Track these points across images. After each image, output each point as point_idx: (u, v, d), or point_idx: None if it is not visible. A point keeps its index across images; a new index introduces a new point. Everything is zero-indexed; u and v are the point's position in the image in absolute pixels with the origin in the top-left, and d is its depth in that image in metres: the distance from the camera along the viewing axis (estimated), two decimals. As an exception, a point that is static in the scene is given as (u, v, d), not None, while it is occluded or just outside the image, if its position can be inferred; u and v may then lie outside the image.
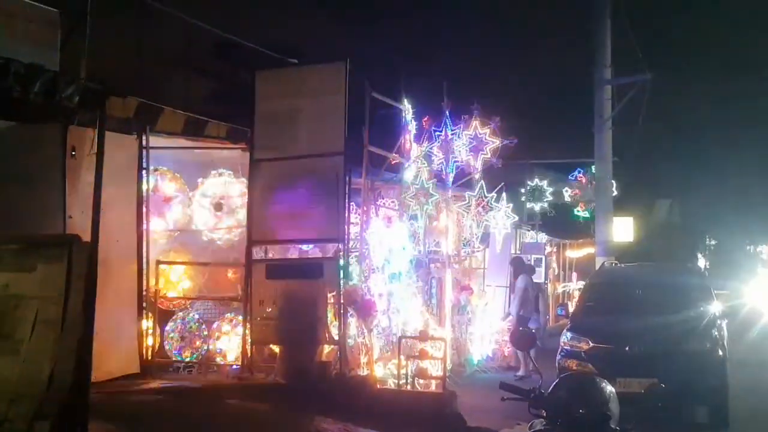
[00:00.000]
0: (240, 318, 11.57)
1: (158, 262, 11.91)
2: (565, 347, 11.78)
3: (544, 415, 4.36)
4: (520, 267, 16.18)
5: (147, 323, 11.50)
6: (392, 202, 13.73)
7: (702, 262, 38.88)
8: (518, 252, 20.15)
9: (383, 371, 11.93)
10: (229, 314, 11.95)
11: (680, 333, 11.42)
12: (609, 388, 4.37)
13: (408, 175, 13.48)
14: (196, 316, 11.93)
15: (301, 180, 11.33)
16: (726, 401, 11.06)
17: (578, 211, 27.44)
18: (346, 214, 11.33)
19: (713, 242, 52.20)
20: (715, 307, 12.34)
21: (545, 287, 21.86)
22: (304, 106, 11.48)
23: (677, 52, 35.08)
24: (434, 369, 12.12)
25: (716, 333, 11.65)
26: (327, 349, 11.14)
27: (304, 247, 12.03)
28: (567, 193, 27.39)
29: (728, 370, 11.33)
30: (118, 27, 11.26)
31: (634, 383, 10.56)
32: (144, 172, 11.50)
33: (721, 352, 11.37)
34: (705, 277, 14.73)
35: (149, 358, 11.39)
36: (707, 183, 42.21)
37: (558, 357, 11.92)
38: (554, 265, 26.89)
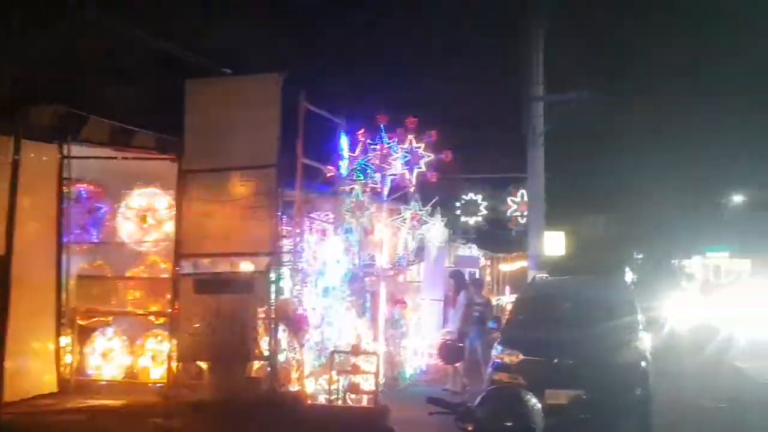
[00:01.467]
0: (166, 334, 11.34)
1: (79, 277, 11.62)
2: (497, 360, 11.83)
3: (471, 429, 4.32)
4: (462, 282, 16.02)
5: (66, 340, 11.21)
6: (327, 215, 13.56)
7: (630, 276, 39.79)
8: (452, 265, 20.06)
9: (315, 387, 11.76)
10: (154, 330, 11.76)
11: (606, 345, 11.62)
12: (533, 401, 4.38)
13: (343, 188, 13.36)
14: (120, 333, 11.68)
15: (233, 191, 11.12)
16: (649, 412, 11.27)
17: (513, 210, 27.54)
18: (279, 227, 11.20)
19: (640, 256, 53.38)
20: (639, 320, 12.63)
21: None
22: (237, 116, 11.26)
23: (614, 68, 35.71)
24: (367, 384, 11.93)
25: (641, 345, 11.89)
26: (257, 365, 10.98)
27: (235, 260, 11.64)
28: (513, 204, 27.44)
29: (651, 382, 11.52)
30: (43, 32, 10.85)
31: (561, 395, 10.69)
32: (65, 182, 11.22)
33: (644, 364, 11.57)
34: (631, 291, 14.94)
35: (68, 376, 11.08)
36: (636, 199, 43.21)
37: (489, 370, 12.01)
38: (488, 278, 27.04)
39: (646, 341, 12.31)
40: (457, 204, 25.23)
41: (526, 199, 22.98)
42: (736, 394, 15.24)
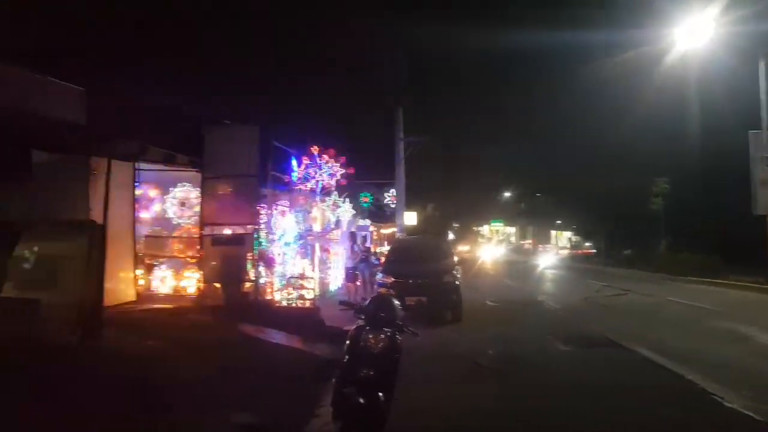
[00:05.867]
0: (196, 267, 11.33)
1: (147, 236, 11.61)
2: (379, 281, 12.12)
3: (363, 318, 4.34)
4: (353, 239, 16.23)
5: (140, 271, 11.15)
6: (285, 202, 13.36)
7: (450, 236, 41.04)
8: (355, 230, 20.43)
9: (280, 297, 11.70)
10: (189, 266, 11.66)
11: (437, 272, 11.98)
12: (396, 302, 4.45)
13: (294, 188, 13.35)
14: (170, 267, 11.62)
15: (232, 189, 11.13)
16: (460, 308, 11.80)
17: (387, 200, 27.91)
18: (258, 209, 11.23)
19: (456, 225, 54.88)
20: (454, 259, 13.17)
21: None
22: (235, 147, 11.11)
23: (446, 122, 36.72)
24: (308, 295, 11.95)
25: (455, 272, 12.35)
26: (247, 284, 10.96)
27: (234, 227, 11.62)
28: (387, 197, 27.85)
29: (461, 292, 12.08)
30: (123, 98, 10.56)
31: (413, 299, 10.98)
32: (137, 183, 11.15)
33: (457, 282, 12.06)
34: (450, 244, 15.59)
35: (141, 291, 11.00)
36: (454, 193, 44.49)
37: (375, 287, 12.38)
38: (375, 237, 27.49)
39: (458, 270, 12.76)
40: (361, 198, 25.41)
41: (395, 193, 23.37)
42: (505, 297, 16.32)
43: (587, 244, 52.09)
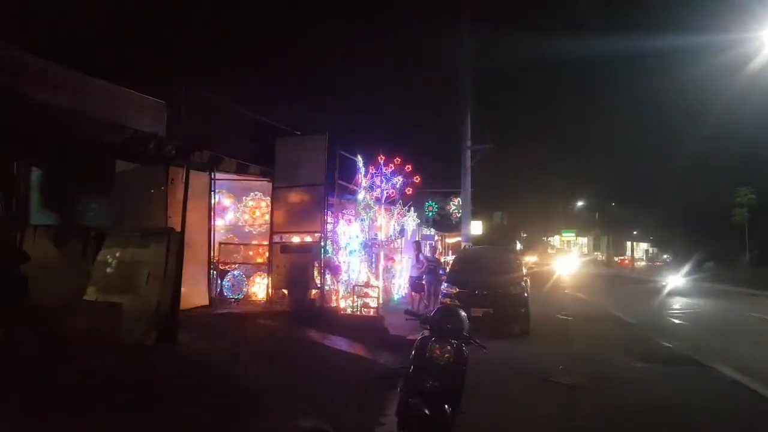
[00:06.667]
0: (265, 274, 11.49)
1: (220, 243, 11.81)
2: (444, 291, 11.73)
3: (428, 328, 4.29)
4: (418, 248, 16.09)
5: (213, 276, 11.36)
6: (351, 211, 13.43)
7: (518, 246, 39.95)
8: (420, 240, 20.22)
9: (345, 304, 11.75)
10: (259, 272, 11.83)
11: (504, 283, 11.54)
12: (463, 313, 4.35)
13: (360, 197, 13.33)
14: (241, 273, 11.81)
15: (300, 198, 11.27)
16: (528, 321, 11.25)
17: (453, 209, 27.54)
18: (325, 218, 11.26)
19: (525, 235, 53.38)
20: (523, 270, 12.55)
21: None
22: (303, 157, 11.30)
23: (513, 129, 35.85)
24: (372, 303, 11.91)
25: (524, 284, 11.80)
26: (314, 291, 11.02)
27: (302, 235, 11.78)
28: (453, 206, 27.52)
29: (530, 305, 11.53)
30: (199, 110, 11.04)
31: (480, 311, 10.59)
32: (212, 192, 11.40)
33: (526, 294, 11.51)
34: (518, 254, 14.93)
35: (214, 296, 11.23)
36: (522, 202, 43.29)
37: (440, 297, 11.93)
38: (440, 246, 27.17)
39: (527, 282, 12.17)
40: (427, 204, 25.15)
41: (460, 202, 22.92)
42: (577, 311, 15.48)
43: (665, 256, 49.11)
